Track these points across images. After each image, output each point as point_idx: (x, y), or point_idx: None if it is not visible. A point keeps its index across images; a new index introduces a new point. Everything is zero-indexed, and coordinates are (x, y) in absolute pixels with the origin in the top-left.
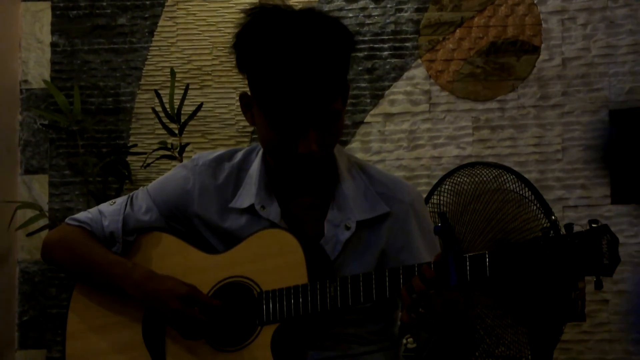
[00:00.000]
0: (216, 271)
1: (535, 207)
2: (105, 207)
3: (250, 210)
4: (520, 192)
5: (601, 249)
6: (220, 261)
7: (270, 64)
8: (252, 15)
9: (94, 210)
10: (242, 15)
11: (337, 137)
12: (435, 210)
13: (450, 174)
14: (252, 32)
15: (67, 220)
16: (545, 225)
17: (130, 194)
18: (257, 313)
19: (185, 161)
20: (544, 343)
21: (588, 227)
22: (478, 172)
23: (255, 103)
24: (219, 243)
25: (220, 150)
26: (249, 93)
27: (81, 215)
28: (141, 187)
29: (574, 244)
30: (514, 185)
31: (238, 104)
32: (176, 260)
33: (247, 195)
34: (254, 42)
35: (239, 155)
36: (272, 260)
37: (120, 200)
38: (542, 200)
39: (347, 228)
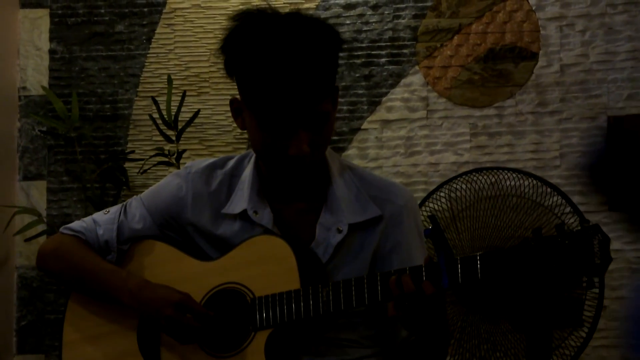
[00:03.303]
0: (210, 278)
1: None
2: (99, 216)
3: (243, 215)
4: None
5: (592, 249)
6: (214, 268)
7: (258, 66)
8: (239, 19)
9: (87, 219)
10: (229, 19)
11: (328, 139)
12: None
13: (447, 182)
14: (239, 36)
15: (61, 229)
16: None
17: (124, 203)
18: (250, 319)
19: (177, 170)
20: (540, 349)
21: (579, 228)
22: (475, 178)
23: (245, 106)
24: (212, 250)
25: (212, 158)
26: (239, 97)
27: (75, 224)
28: (134, 196)
29: (565, 244)
30: (520, 189)
31: None
32: (170, 268)
33: (240, 201)
34: (242, 46)
35: (231, 162)
36: (265, 266)
37: (114, 209)
38: (574, 205)
39: (339, 231)
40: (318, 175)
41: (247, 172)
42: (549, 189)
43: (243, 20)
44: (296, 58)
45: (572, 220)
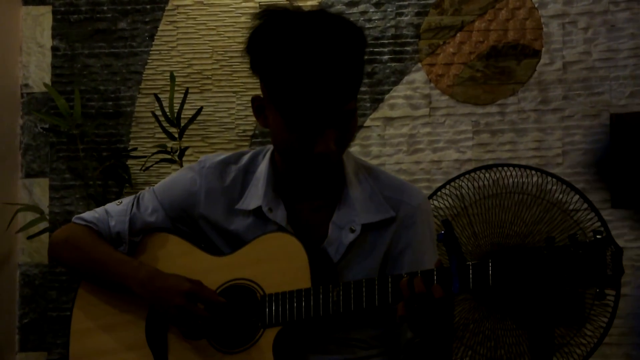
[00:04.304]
0: (220, 273)
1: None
2: (111, 207)
3: (256, 212)
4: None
5: (605, 260)
6: (225, 263)
7: (287, 65)
8: (264, 17)
9: (100, 210)
10: (252, 18)
11: (352, 136)
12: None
13: (452, 179)
14: (266, 34)
15: (73, 219)
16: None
17: (137, 195)
18: (259, 316)
19: (190, 164)
20: (543, 346)
21: (592, 238)
22: (482, 175)
23: (271, 104)
24: (224, 245)
25: (226, 153)
26: (261, 95)
27: (87, 214)
28: (147, 188)
29: (578, 254)
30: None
31: (238, 107)
32: (181, 261)
33: (254, 197)
34: (269, 44)
35: (246, 158)
36: (276, 263)
37: (127, 200)
38: (589, 202)
39: (352, 231)
40: (334, 174)
41: (262, 168)
42: (563, 187)
43: (268, 19)
44: (326, 58)
45: (581, 216)
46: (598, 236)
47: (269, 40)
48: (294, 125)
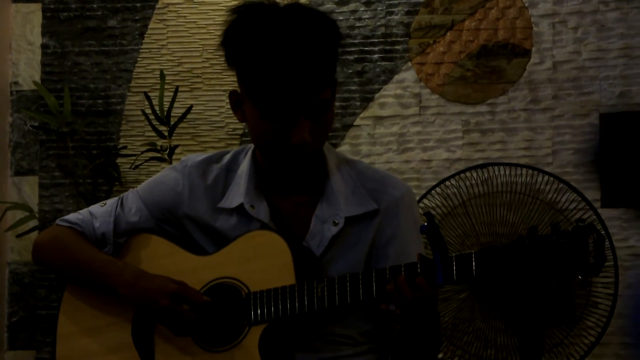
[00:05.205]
0: (205, 272)
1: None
2: (95, 208)
3: (239, 209)
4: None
5: (587, 248)
6: (209, 262)
7: (260, 55)
8: (239, 11)
9: (84, 211)
10: (227, 12)
11: (328, 128)
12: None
13: (447, 178)
14: (240, 26)
15: (57, 221)
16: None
17: (121, 196)
18: (245, 314)
19: (173, 164)
20: (532, 346)
21: (575, 226)
22: (471, 175)
23: (246, 96)
24: (209, 244)
25: (208, 153)
26: (238, 90)
27: (72, 216)
28: (131, 189)
29: (560, 242)
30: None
31: (228, 106)
32: (166, 261)
33: (236, 195)
34: (244, 35)
35: (227, 157)
36: (261, 261)
37: (111, 201)
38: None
39: (335, 224)
40: (315, 169)
41: (244, 166)
42: (558, 185)
43: (243, 12)
44: (297, 46)
45: (577, 214)
46: (580, 224)
47: (243, 31)
48: (268, 115)
